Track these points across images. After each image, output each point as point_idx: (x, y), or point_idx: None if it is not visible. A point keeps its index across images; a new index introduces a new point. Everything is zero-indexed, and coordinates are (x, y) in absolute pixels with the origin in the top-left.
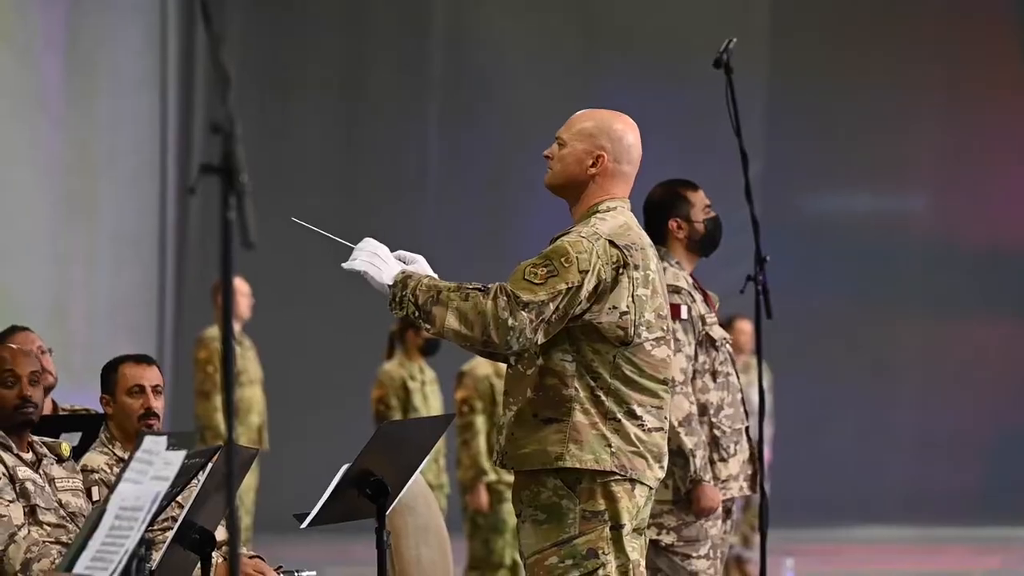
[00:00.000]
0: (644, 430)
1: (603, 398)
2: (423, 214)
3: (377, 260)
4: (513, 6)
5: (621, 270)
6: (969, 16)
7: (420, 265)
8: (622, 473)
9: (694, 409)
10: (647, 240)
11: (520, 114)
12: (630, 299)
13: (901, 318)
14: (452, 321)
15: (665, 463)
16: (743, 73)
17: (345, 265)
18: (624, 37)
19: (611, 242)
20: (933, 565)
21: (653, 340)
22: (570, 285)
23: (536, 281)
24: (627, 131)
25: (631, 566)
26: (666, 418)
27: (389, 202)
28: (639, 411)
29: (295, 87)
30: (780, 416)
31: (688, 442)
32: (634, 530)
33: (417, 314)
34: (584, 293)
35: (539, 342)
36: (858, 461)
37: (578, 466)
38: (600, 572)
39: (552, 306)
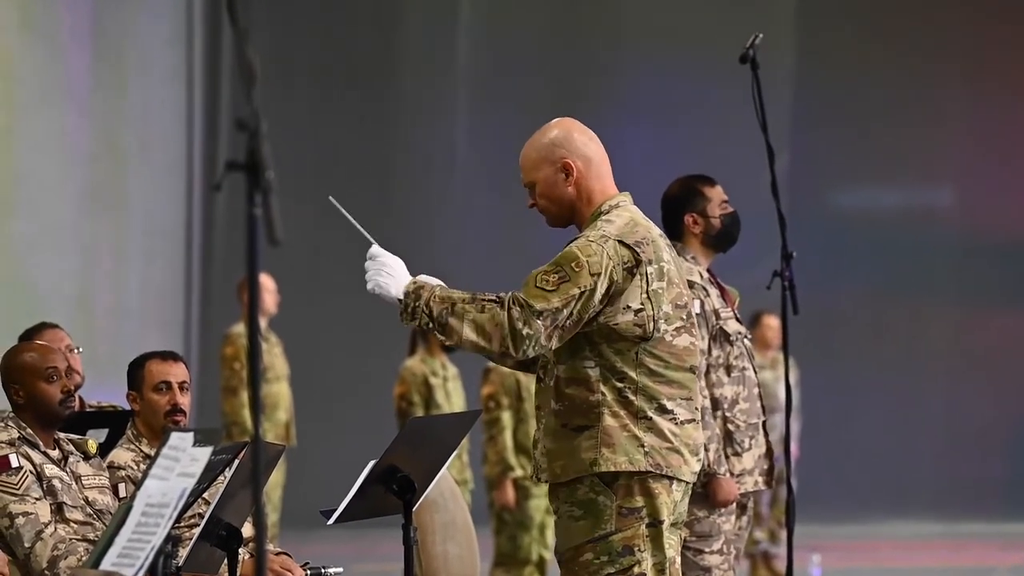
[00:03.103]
0: (677, 423)
1: (632, 398)
2: (450, 202)
3: (384, 272)
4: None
5: (634, 269)
6: (996, 8)
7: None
8: (658, 471)
9: (707, 403)
10: (656, 231)
11: (546, 103)
12: (645, 296)
13: (928, 312)
14: (469, 333)
15: (701, 455)
16: (769, 67)
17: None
18: (649, 29)
19: (621, 242)
20: (959, 560)
21: (673, 331)
22: (583, 289)
23: (548, 288)
24: (566, 128)
25: (667, 563)
26: (697, 408)
27: (416, 190)
28: (670, 405)
29: (321, 76)
30: (807, 411)
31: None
32: (672, 525)
33: (432, 325)
34: (597, 296)
35: (553, 347)
36: (885, 456)
37: (613, 469)
38: (635, 569)
39: (566, 312)
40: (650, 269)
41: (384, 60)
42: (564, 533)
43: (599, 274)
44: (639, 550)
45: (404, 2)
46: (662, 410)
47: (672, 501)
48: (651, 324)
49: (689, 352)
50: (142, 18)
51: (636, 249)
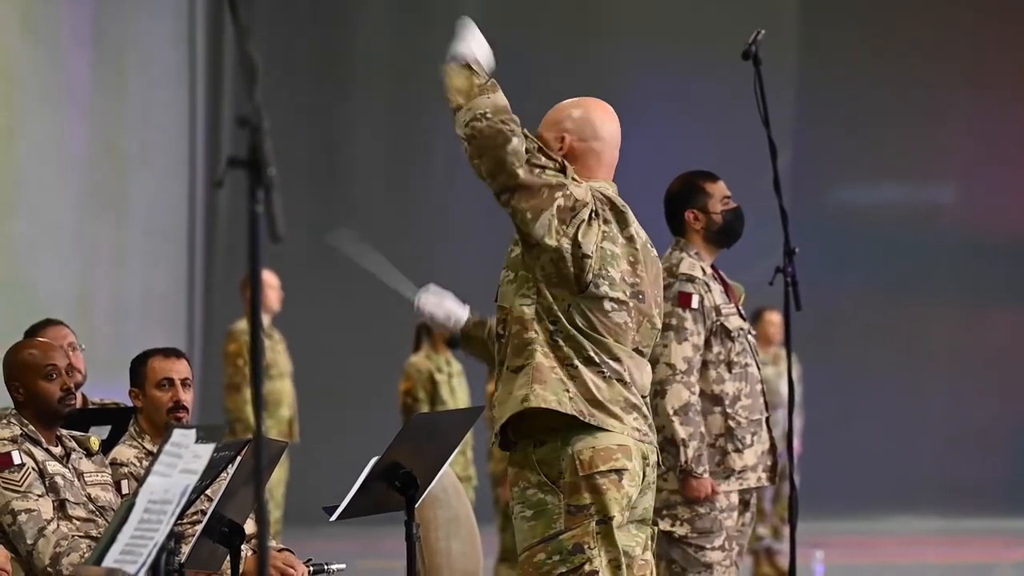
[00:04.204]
0: (603, 378)
1: (561, 343)
2: (454, 199)
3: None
4: None
5: (592, 216)
6: (998, 7)
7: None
8: (581, 418)
9: (693, 399)
10: (631, 217)
11: (549, 101)
12: (596, 247)
13: (930, 309)
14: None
15: (644, 412)
16: (772, 63)
17: None
18: (652, 26)
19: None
20: (961, 557)
21: (613, 301)
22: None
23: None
24: (592, 111)
25: (622, 558)
26: (630, 381)
27: (420, 188)
28: (597, 359)
29: (324, 73)
30: (809, 408)
31: (681, 432)
32: (639, 521)
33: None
34: (571, 192)
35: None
36: (887, 453)
37: (542, 405)
38: (587, 567)
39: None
40: (605, 227)
41: (387, 58)
42: (518, 534)
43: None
44: (589, 547)
45: (408, 1)
46: (589, 361)
47: (625, 496)
48: (590, 275)
49: (622, 330)
50: (143, 18)
51: (597, 203)
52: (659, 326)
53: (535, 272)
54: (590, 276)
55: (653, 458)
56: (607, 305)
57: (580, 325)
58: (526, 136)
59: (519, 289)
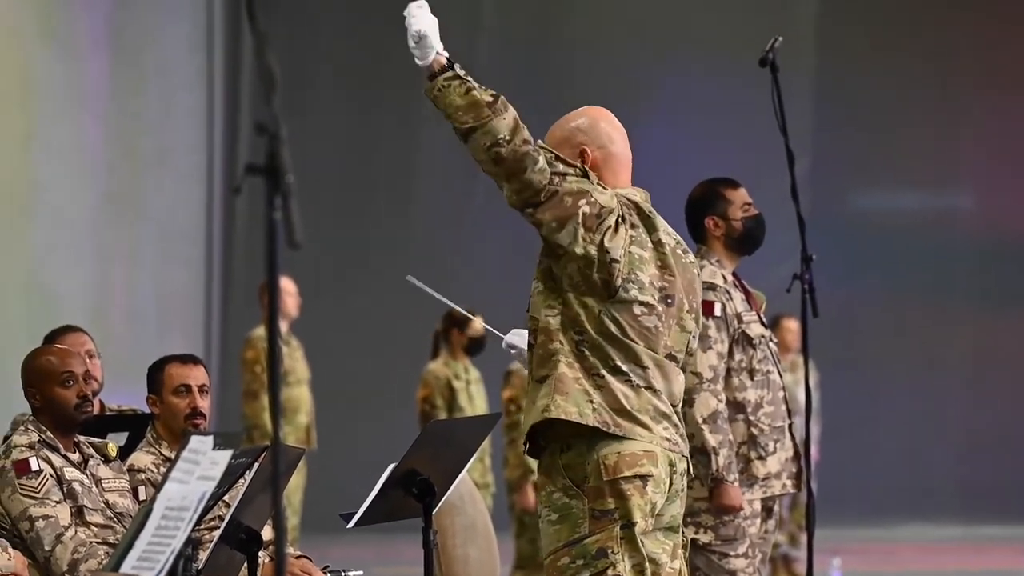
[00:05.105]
0: (632, 386)
1: (587, 353)
2: (471, 205)
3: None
4: (559, 1)
5: (619, 221)
6: (1016, 12)
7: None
8: (604, 428)
9: (721, 407)
10: (662, 222)
11: (566, 106)
12: (624, 251)
13: (949, 315)
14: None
15: (675, 422)
16: (790, 68)
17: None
18: (670, 32)
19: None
20: (979, 564)
21: (643, 305)
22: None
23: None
24: (594, 117)
25: (647, 565)
26: (659, 390)
27: (438, 193)
28: (625, 367)
29: (342, 80)
30: (827, 414)
31: (712, 440)
32: (666, 528)
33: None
34: (593, 200)
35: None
36: (904, 459)
37: (563, 417)
38: (610, 572)
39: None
40: (633, 232)
41: (405, 63)
42: (544, 538)
43: (589, 193)
44: (613, 552)
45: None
46: (616, 371)
47: (648, 503)
48: (619, 279)
49: (654, 335)
50: (161, 22)
51: (622, 207)
52: (690, 329)
53: (562, 281)
54: (619, 281)
55: (681, 466)
56: (637, 309)
57: (611, 331)
58: (540, 147)
59: (545, 299)
